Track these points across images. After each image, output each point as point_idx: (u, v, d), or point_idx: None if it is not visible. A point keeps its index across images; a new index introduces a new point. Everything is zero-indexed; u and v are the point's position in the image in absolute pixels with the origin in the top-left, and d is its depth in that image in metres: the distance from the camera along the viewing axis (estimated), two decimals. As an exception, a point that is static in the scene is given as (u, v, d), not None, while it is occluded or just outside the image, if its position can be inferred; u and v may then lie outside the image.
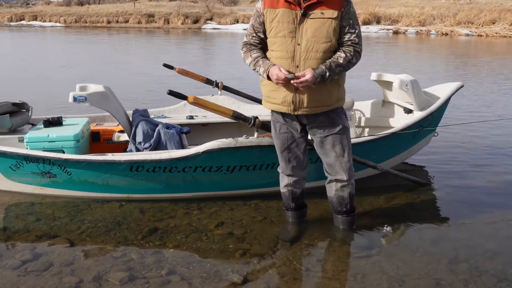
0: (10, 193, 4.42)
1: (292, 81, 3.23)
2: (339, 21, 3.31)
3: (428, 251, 3.58)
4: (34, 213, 4.12)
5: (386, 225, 3.96)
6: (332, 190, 3.73)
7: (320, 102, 3.38)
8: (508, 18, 34.33)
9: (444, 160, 5.79)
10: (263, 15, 3.43)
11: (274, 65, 3.31)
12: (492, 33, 32.89)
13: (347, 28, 3.34)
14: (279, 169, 3.82)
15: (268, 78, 3.36)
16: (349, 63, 3.34)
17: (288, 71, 3.27)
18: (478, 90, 11.12)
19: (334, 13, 3.28)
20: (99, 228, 3.86)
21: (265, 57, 3.45)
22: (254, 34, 3.53)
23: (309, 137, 3.70)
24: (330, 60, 3.29)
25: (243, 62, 3.59)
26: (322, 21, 3.29)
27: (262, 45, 3.53)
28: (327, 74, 3.26)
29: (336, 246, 3.68)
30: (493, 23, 34.72)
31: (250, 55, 3.47)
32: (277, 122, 3.63)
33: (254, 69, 3.47)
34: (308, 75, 3.21)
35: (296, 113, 3.40)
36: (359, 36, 3.38)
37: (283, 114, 3.55)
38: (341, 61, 3.30)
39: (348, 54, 3.32)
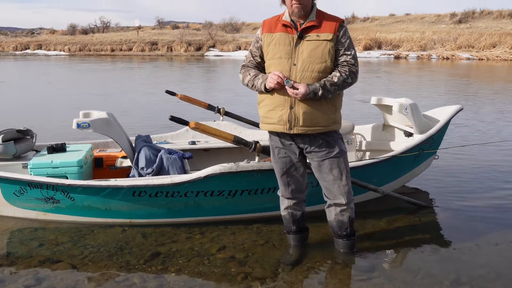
0: (14, 219, 4.45)
1: (286, 86, 3.29)
2: (334, 43, 3.40)
3: (430, 273, 3.58)
4: (37, 239, 4.14)
5: (387, 248, 3.97)
6: (331, 214, 3.75)
7: (315, 122, 3.42)
8: (508, 42, 34.64)
9: (445, 182, 5.81)
10: (261, 40, 3.54)
11: None
12: (493, 57, 33.14)
13: (342, 51, 3.42)
14: (279, 193, 3.85)
15: (265, 90, 3.43)
16: (344, 83, 3.40)
17: (287, 78, 3.33)
18: (478, 112, 11.18)
19: (329, 36, 3.37)
20: (101, 253, 3.87)
21: (264, 74, 3.54)
22: (252, 58, 3.62)
23: (307, 160, 3.73)
24: (325, 79, 3.37)
25: (242, 84, 3.67)
26: (317, 43, 3.37)
27: (259, 69, 3.61)
28: (320, 91, 3.32)
29: (337, 269, 3.68)
30: (494, 47, 35.02)
31: (249, 74, 3.56)
32: (275, 147, 3.67)
33: (252, 85, 3.54)
34: (301, 88, 3.29)
35: (291, 131, 3.45)
36: (354, 58, 3.46)
37: (280, 137, 3.60)
38: (335, 80, 3.36)
39: (343, 74, 3.39)
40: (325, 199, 3.74)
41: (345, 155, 3.64)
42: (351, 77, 3.42)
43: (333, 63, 3.43)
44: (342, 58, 3.43)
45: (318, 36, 3.37)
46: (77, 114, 4.87)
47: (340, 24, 3.43)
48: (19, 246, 4.04)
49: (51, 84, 18.50)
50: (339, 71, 3.40)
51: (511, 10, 48.31)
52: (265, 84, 3.41)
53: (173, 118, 4.11)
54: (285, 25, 3.43)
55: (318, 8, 3.48)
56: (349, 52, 3.43)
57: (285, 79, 3.30)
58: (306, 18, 3.41)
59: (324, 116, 3.44)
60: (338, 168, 3.57)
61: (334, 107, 3.50)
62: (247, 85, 3.59)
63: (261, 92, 3.52)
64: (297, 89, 3.29)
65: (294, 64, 3.38)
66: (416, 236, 4.26)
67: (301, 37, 3.39)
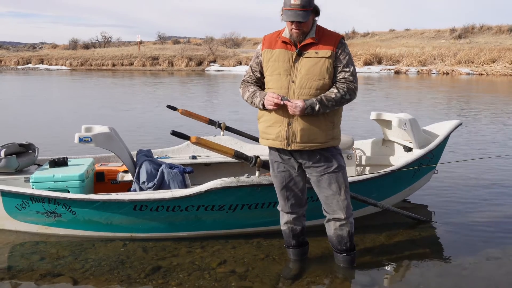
0: (15, 233, 4.46)
1: (284, 102, 3.33)
2: (333, 60, 3.42)
3: (430, 287, 3.58)
4: (39, 252, 4.15)
5: (387, 263, 3.98)
6: (331, 229, 3.77)
7: (313, 138, 3.45)
8: (508, 57, 34.83)
9: (444, 197, 5.82)
10: (261, 56, 3.58)
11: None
12: (493, 72, 33.28)
13: (341, 67, 3.45)
14: (279, 207, 3.87)
15: (264, 108, 3.46)
16: (342, 99, 3.42)
17: (283, 96, 3.37)
18: (477, 127, 11.20)
19: (327, 53, 3.40)
20: (102, 267, 3.88)
21: (262, 90, 3.58)
22: (251, 74, 3.67)
23: (307, 175, 3.75)
24: (322, 94, 3.40)
25: (242, 99, 3.71)
26: (316, 60, 3.40)
27: (258, 84, 3.65)
28: (317, 106, 3.35)
29: (337, 284, 3.69)
30: (493, 62, 35.21)
31: (248, 90, 3.60)
32: (274, 162, 3.70)
33: (251, 102, 3.58)
34: (299, 103, 3.32)
35: (289, 148, 3.48)
36: (353, 74, 3.48)
37: (279, 152, 3.63)
38: (333, 96, 3.39)
39: (341, 90, 3.41)
40: (324, 213, 3.75)
41: (344, 170, 3.66)
42: (349, 94, 3.44)
43: (332, 80, 3.46)
44: (341, 75, 3.45)
45: (316, 53, 3.41)
46: (78, 129, 4.91)
47: (340, 41, 3.45)
48: (20, 259, 4.05)
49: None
50: (337, 88, 3.42)
51: (510, 26, 48.59)
52: (263, 103, 3.45)
53: (174, 133, 4.14)
54: (284, 42, 3.48)
55: (318, 24, 3.52)
56: (347, 69, 3.46)
57: (281, 98, 3.34)
58: (306, 35, 3.44)
59: (322, 132, 3.46)
60: (337, 183, 3.59)
61: (332, 123, 3.52)
62: (246, 101, 3.63)
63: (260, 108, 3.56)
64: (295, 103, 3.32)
65: (293, 81, 3.41)
66: (416, 251, 4.27)
67: (300, 54, 3.43)
